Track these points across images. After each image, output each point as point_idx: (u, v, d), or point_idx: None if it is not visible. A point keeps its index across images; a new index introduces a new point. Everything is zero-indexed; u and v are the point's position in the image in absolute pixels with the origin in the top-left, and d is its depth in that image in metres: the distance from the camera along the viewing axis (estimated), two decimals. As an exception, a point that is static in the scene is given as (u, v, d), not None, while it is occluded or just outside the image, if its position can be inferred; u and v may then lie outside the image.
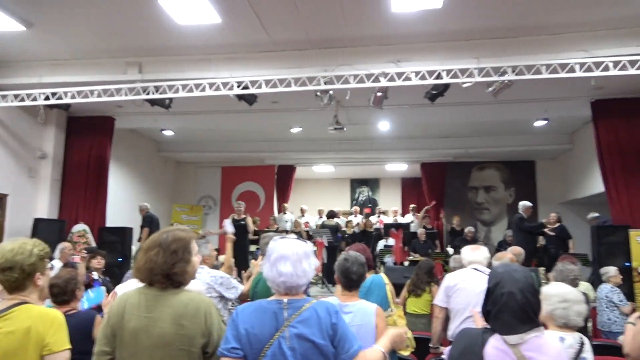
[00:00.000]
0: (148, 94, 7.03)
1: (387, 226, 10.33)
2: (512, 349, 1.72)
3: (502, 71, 6.17)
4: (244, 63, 7.11)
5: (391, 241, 9.48)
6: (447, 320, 3.67)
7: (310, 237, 9.51)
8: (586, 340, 2.44)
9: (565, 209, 11.19)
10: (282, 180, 13.62)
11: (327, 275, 8.84)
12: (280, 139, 12.09)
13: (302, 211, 12.23)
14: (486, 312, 1.87)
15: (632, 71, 5.86)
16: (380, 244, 9.85)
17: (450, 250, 9.70)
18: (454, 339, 1.88)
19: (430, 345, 3.80)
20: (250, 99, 7.13)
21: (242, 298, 3.68)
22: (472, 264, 3.68)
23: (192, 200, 13.60)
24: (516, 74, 6.12)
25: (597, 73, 5.93)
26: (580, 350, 2.37)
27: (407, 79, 6.41)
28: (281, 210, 12.60)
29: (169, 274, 1.93)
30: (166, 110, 7.42)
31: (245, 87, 6.83)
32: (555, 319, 2.46)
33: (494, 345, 1.75)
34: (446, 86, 6.48)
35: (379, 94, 6.65)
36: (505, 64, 6.16)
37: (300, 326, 1.83)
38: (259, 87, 6.77)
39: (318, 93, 6.85)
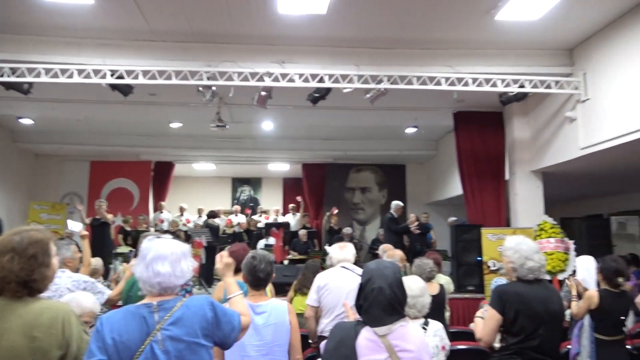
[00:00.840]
0: (2, 75, 6.20)
1: (268, 225, 10.38)
2: (381, 339, 1.85)
3: (378, 79, 6.57)
4: (119, 50, 6.62)
5: (272, 240, 9.54)
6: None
7: (188, 237, 9.18)
8: (431, 327, 2.71)
9: (430, 210, 12.27)
10: (159, 177, 12.90)
11: (205, 277, 8.62)
12: (158, 133, 11.44)
13: (182, 210, 11.74)
14: (359, 306, 1.98)
15: (486, 88, 6.64)
16: (261, 243, 9.86)
17: (328, 248, 10.06)
18: (329, 333, 1.97)
19: (310, 341, 3.92)
20: (125, 90, 6.66)
21: (111, 303, 3.44)
22: (341, 263, 3.83)
23: (55, 197, 12.28)
24: (391, 83, 6.57)
25: (459, 88, 6.61)
26: None
27: (291, 80, 6.52)
28: (157, 209, 11.96)
29: (26, 281, 1.73)
30: (25, 96, 6.61)
31: (120, 77, 6.36)
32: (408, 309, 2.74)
33: (366, 337, 1.87)
34: (328, 90, 6.72)
35: (263, 93, 6.66)
36: (382, 73, 6.57)
37: (173, 328, 1.78)
38: (136, 77, 6.36)
39: (200, 88, 6.65)
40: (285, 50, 6.78)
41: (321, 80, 6.54)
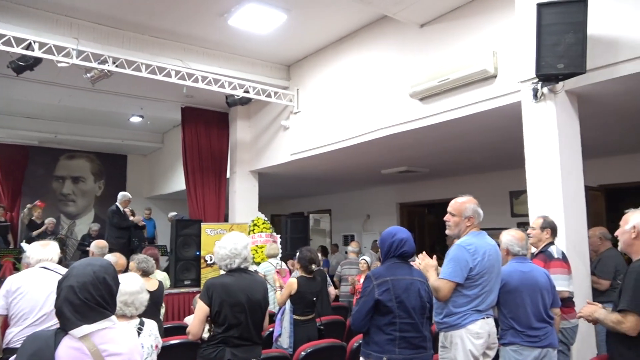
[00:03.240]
0: None
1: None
2: (85, 345, 1.68)
3: (102, 59, 6.00)
4: None
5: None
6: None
7: None
8: (146, 326, 2.67)
9: (151, 204, 11.90)
10: None
11: None
12: None
13: None
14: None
15: (215, 88, 6.87)
16: None
17: (25, 246, 8.57)
18: (20, 345, 1.68)
19: None
20: None
21: None
22: (41, 262, 3.38)
23: None
24: (117, 66, 6.09)
25: (189, 83, 6.63)
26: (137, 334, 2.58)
27: (-14, 40, 5.31)
28: None
29: None
30: None
31: None
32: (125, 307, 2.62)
33: (68, 345, 1.67)
34: (37, 60, 5.75)
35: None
36: (107, 54, 6.03)
37: None
38: None
39: None
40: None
41: (29, 47, 5.55)
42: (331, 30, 6.62)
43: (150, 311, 4.19)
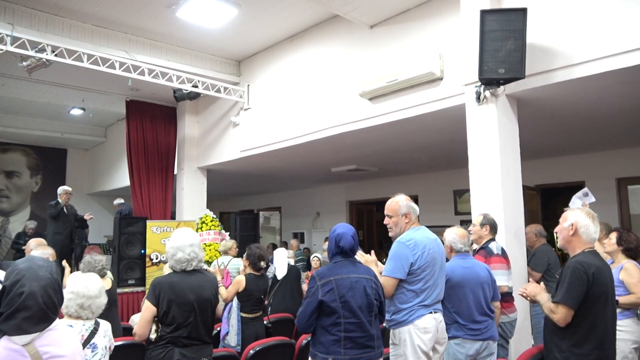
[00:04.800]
0: None
1: None
2: (25, 348, 1.60)
3: (40, 47, 5.68)
4: None
5: None
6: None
7: None
8: (101, 327, 2.57)
9: (93, 200, 11.41)
10: None
11: None
12: None
13: None
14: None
15: (162, 81, 6.67)
16: None
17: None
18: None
19: None
20: None
21: None
22: None
23: None
24: (56, 55, 5.78)
25: (134, 75, 6.40)
26: (91, 336, 2.49)
27: None
28: None
29: None
30: None
31: None
32: (69, 311, 2.50)
33: (5, 347, 1.58)
34: (-34, 46, 5.37)
35: None
36: (46, 41, 5.71)
37: None
38: None
39: None
40: None
41: (-43, 31, 5.17)
42: (282, 26, 6.60)
43: (108, 310, 4.06)
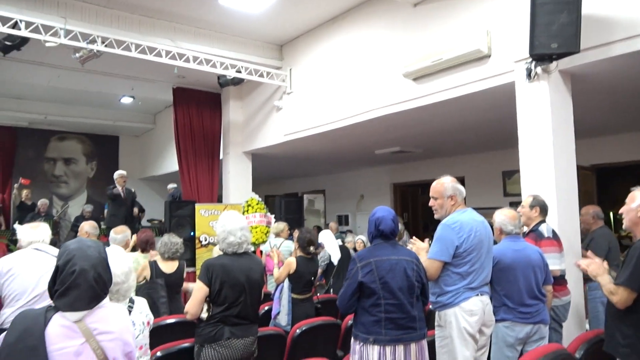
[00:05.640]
0: None
1: None
2: (77, 324, 1.70)
3: (91, 39, 5.90)
4: None
5: None
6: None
7: None
8: (136, 304, 2.67)
9: (144, 185, 11.87)
10: None
11: None
12: None
13: None
14: (54, 291, 1.76)
15: (206, 68, 6.79)
16: None
17: (18, 227, 8.54)
18: (10, 324, 1.68)
19: None
20: None
21: None
22: (33, 244, 3.39)
23: None
24: (106, 46, 5.99)
25: (180, 63, 6.54)
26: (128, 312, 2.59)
27: (-29, 19, 5.20)
28: None
29: None
30: None
31: None
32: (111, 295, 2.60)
33: (58, 323, 1.68)
34: (24, 40, 5.64)
35: None
36: (96, 33, 5.92)
37: None
38: None
39: None
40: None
41: (16, 26, 5.44)
42: (324, 9, 6.53)
43: (173, 292, 4.25)
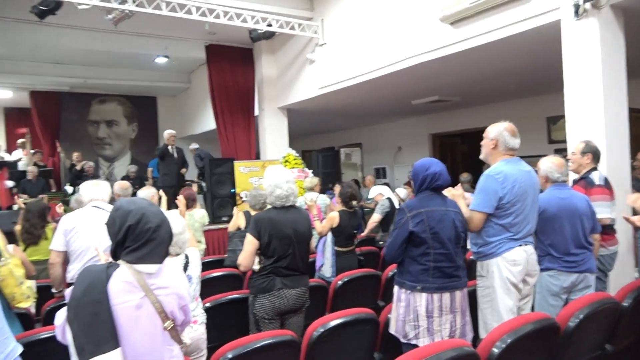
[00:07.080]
0: None
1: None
2: (137, 279, 1.77)
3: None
4: None
5: (-8, 183, 7.98)
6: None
7: None
8: (191, 259, 2.78)
9: (183, 144, 12.06)
10: None
11: None
12: None
13: None
14: (124, 248, 1.80)
15: (237, 22, 6.69)
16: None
17: (69, 189, 8.97)
18: (76, 279, 1.78)
19: (54, 290, 3.53)
20: None
21: None
22: (93, 202, 3.53)
23: None
24: (137, 5, 5.97)
25: (210, 19, 6.47)
26: (185, 269, 2.70)
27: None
28: None
29: None
30: None
31: None
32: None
33: (120, 279, 1.76)
34: (58, 3, 5.69)
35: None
36: (127, -7, 5.90)
37: None
38: None
39: None
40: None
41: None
42: (355, -48, 6.23)
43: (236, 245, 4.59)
